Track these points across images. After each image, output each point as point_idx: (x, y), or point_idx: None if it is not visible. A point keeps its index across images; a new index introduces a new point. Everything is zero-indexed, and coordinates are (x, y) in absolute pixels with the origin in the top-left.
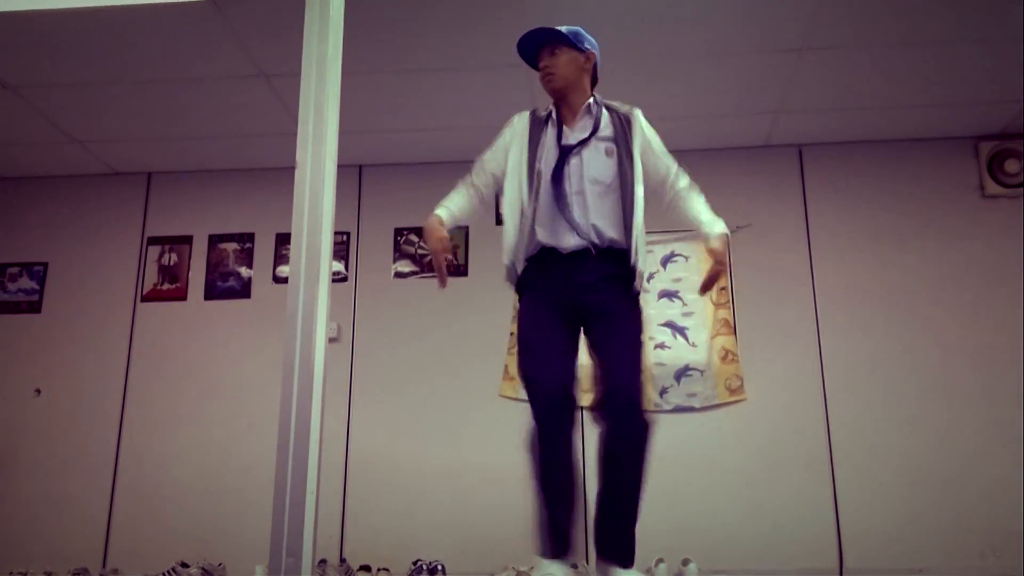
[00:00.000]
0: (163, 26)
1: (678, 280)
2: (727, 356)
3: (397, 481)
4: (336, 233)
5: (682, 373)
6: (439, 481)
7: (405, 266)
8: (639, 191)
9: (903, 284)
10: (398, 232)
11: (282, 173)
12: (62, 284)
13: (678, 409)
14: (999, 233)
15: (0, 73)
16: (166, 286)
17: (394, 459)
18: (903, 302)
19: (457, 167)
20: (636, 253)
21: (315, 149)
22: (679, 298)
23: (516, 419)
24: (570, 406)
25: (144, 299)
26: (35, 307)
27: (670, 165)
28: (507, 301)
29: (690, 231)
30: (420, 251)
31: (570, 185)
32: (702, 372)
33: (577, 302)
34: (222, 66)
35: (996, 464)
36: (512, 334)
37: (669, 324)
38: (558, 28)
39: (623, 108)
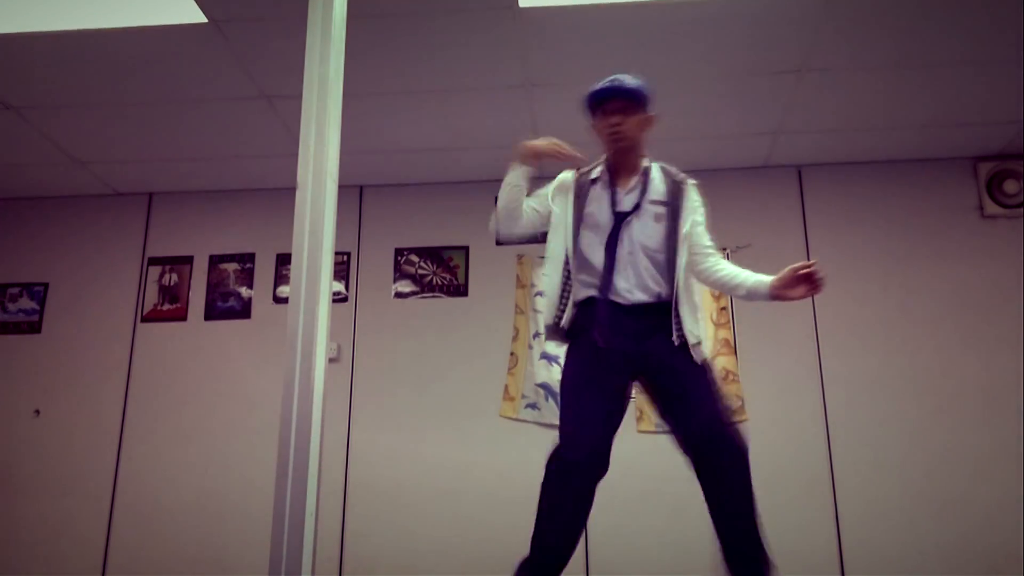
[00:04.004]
0: (165, 48)
1: None
2: (728, 376)
3: (397, 501)
4: (337, 253)
5: None
6: (439, 501)
7: (405, 286)
8: (682, 260)
9: (903, 304)
10: (398, 252)
11: (283, 193)
12: (62, 304)
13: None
14: (998, 253)
15: (3, 94)
16: (166, 306)
17: (394, 479)
18: (903, 322)
19: (458, 188)
20: (678, 308)
21: (316, 169)
22: None
23: (516, 439)
24: (596, 471)
25: (144, 319)
26: (35, 327)
27: (706, 240)
28: (507, 321)
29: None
30: (420, 271)
31: (622, 249)
32: None
33: (630, 350)
34: (224, 88)
35: (998, 484)
36: (512, 354)
37: None
38: (634, 87)
39: (679, 175)
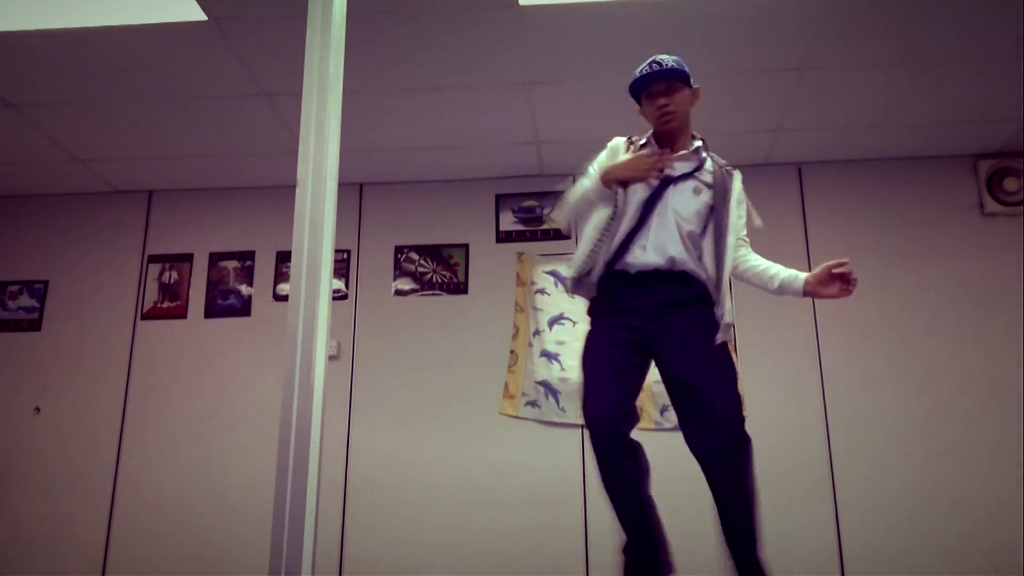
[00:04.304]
0: (165, 45)
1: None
2: None
3: (397, 500)
4: (337, 251)
5: None
6: (439, 499)
7: (405, 284)
8: (731, 239)
9: (903, 302)
10: (398, 250)
11: (283, 191)
12: (62, 302)
13: (679, 427)
14: (998, 251)
15: (2, 92)
16: (166, 304)
17: (394, 477)
18: (903, 320)
19: (458, 185)
20: (718, 288)
21: (316, 167)
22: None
23: (516, 437)
24: (619, 437)
25: (144, 317)
26: (35, 325)
27: (742, 233)
28: (507, 318)
29: None
30: (420, 269)
31: (657, 211)
32: None
33: (646, 324)
34: (224, 85)
35: (998, 483)
36: (513, 351)
37: None
38: (674, 65)
39: (727, 165)
